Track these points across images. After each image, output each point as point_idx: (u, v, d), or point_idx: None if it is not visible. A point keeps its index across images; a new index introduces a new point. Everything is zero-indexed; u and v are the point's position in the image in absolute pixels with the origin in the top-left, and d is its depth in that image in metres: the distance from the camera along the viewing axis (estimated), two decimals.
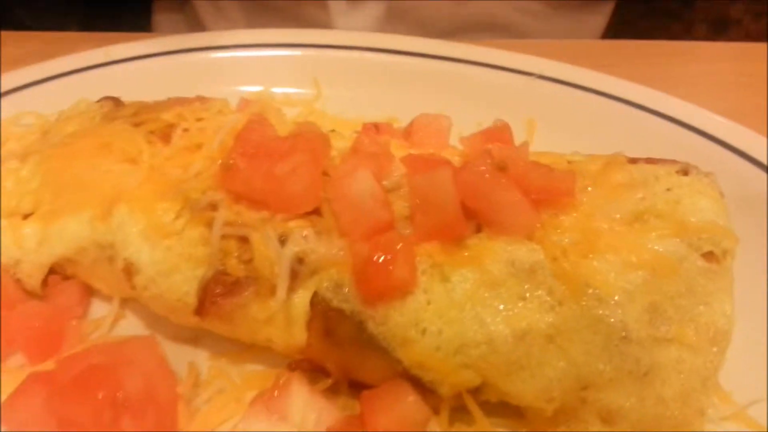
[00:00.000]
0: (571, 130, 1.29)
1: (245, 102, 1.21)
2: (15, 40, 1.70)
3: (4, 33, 1.72)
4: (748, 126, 1.24)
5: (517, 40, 1.86)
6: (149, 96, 1.24)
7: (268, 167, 0.85)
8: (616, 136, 1.25)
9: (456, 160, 0.94)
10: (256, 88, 1.42)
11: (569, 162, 0.93)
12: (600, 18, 2.19)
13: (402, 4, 1.83)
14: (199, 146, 0.98)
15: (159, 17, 2.20)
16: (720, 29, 4.17)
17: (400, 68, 1.46)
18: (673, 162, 0.91)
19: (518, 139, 1.28)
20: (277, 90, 1.43)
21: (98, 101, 1.21)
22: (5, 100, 1.33)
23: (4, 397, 0.78)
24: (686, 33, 4.23)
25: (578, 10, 2.07)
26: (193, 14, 2.06)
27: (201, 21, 2.02)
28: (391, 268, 0.76)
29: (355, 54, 1.49)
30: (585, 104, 1.33)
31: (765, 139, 1.14)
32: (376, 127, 1.14)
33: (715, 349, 0.77)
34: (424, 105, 1.36)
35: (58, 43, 1.68)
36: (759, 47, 1.77)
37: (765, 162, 1.10)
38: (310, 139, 0.89)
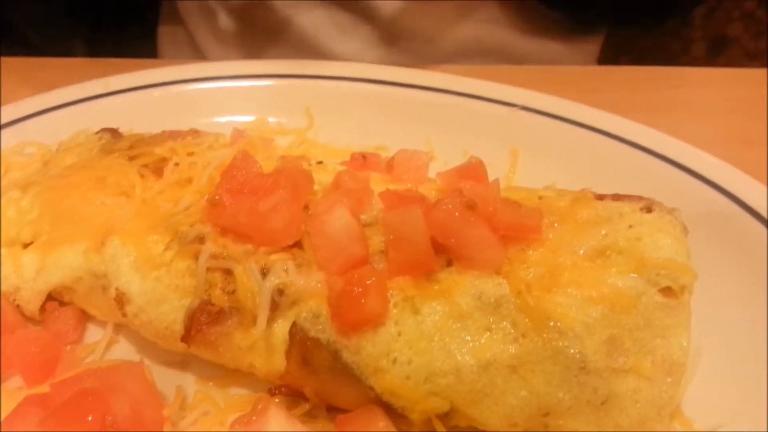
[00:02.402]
0: (553, 159, 1.34)
1: (238, 133, 1.27)
2: (19, 67, 1.77)
3: (11, 60, 1.79)
4: (745, 152, 1.27)
5: (508, 66, 1.91)
6: (148, 125, 1.30)
7: (252, 203, 0.91)
8: (595, 165, 1.30)
9: (432, 195, 0.99)
10: (250, 118, 1.48)
11: (540, 198, 0.97)
12: (594, 41, 2.23)
13: (394, 30, 1.88)
14: (189, 180, 1.04)
15: (162, 37, 2.27)
16: (719, 48, 4.21)
17: (389, 98, 1.52)
18: (639, 198, 0.96)
19: (502, 167, 1.34)
20: (272, 119, 1.49)
21: (97, 132, 1.27)
22: (8, 130, 1.38)
23: (2, 416, 0.84)
24: (685, 52, 4.27)
25: (570, 35, 2.11)
26: (191, 37, 2.12)
27: (198, 44, 2.09)
28: (363, 300, 0.81)
29: (346, 84, 1.54)
30: (566, 135, 1.37)
31: (731, 167, 1.18)
32: (364, 157, 1.19)
33: (669, 380, 0.81)
34: (412, 133, 1.43)
35: (62, 69, 1.76)
36: (750, 72, 1.81)
37: (729, 190, 1.14)
38: (292, 176, 0.94)
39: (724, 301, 1.02)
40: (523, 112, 1.41)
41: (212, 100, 1.49)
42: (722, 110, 1.67)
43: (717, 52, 4.27)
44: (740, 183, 1.16)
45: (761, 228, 1.07)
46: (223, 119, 1.45)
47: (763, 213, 1.09)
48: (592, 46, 2.24)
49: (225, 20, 1.98)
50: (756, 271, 1.03)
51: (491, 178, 0.98)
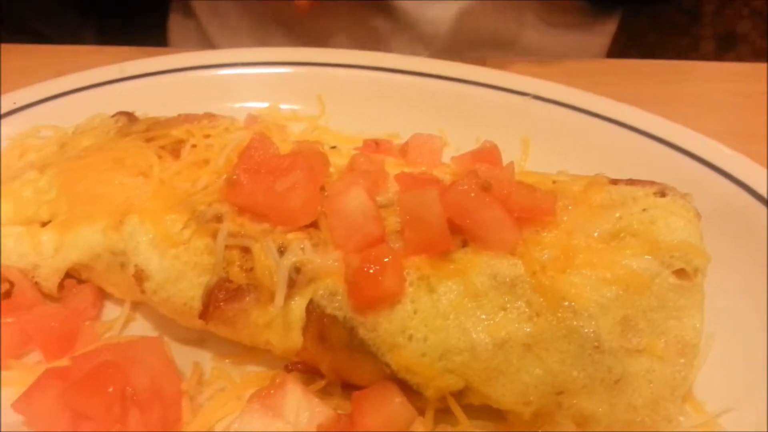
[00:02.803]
0: (564, 148, 1.35)
1: (252, 118, 1.28)
2: (30, 53, 1.79)
3: (20, 47, 1.80)
4: (748, 146, 1.28)
5: (519, 57, 1.91)
6: (161, 110, 1.31)
7: (270, 183, 0.92)
8: (605, 155, 1.31)
9: (447, 178, 1.00)
10: (263, 105, 1.49)
11: (554, 182, 0.98)
12: (605, 32, 2.24)
13: (406, 19, 1.89)
14: (206, 161, 1.05)
15: (172, 24, 2.28)
16: (727, 45, 4.20)
17: (401, 86, 1.53)
18: (652, 183, 0.96)
19: (513, 156, 1.35)
20: (284, 107, 1.50)
21: (113, 116, 1.29)
22: (23, 113, 1.39)
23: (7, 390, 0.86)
24: (693, 48, 4.26)
25: (582, 27, 2.12)
26: (202, 30, 2.14)
27: (206, 32, 2.10)
28: (380, 278, 0.82)
29: (358, 72, 1.55)
30: (577, 124, 1.38)
31: (745, 158, 1.19)
32: (377, 143, 1.20)
33: (682, 361, 0.82)
34: (424, 121, 1.43)
35: (72, 56, 1.78)
36: (758, 67, 1.82)
37: (743, 180, 1.15)
38: (309, 158, 0.96)
39: (735, 289, 1.03)
40: (535, 101, 1.42)
41: (226, 87, 1.50)
42: (727, 104, 1.68)
43: (726, 49, 4.26)
44: (752, 173, 1.16)
45: None
46: (236, 105, 1.45)
47: None
48: (603, 38, 2.25)
49: (237, 18, 2.01)
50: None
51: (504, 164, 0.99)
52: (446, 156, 1.13)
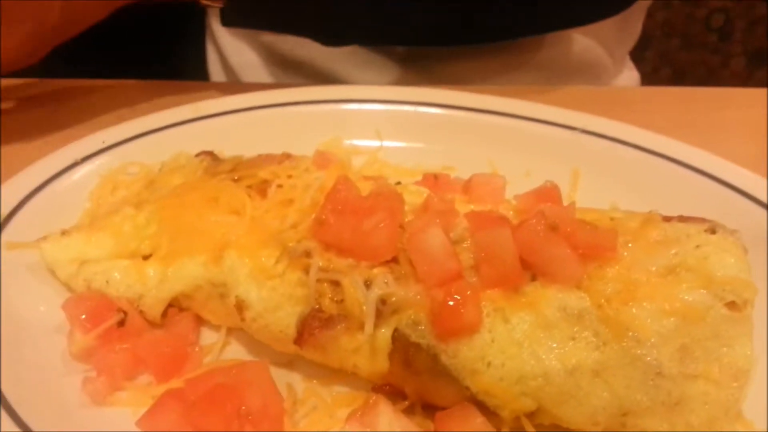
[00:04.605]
0: (611, 180, 1.44)
1: (320, 154, 1.39)
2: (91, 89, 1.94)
3: (80, 82, 1.95)
4: None
5: (555, 86, 2.00)
6: (236, 146, 1.44)
7: (356, 222, 1.03)
8: (652, 188, 1.40)
9: (511, 215, 1.10)
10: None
11: (611, 219, 1.08)
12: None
13: (410, 54, 2.00)
14: (291, 201, 1.15)
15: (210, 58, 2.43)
16: (758, 62, 4.24)
17: (453, 121, 1.64)
18: (703, 220, 1.05)
19: (562, 186, 1.44)
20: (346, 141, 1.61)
21: (197, 155, 1.41)
22: (112, 152, 1.52)
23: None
24: (724, 66, 4.31)
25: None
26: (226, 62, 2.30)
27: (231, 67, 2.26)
28: (461, 310, 0.92)
29: (413, 108, 1.67)
30: (624, 157, 1.47)
31: None
32: (435, 177, 1.31)
33: (735, 384, 0.91)
34: (476, 154, 1.54)
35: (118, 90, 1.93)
36: None
37: None
38: (388, 198, 1.06)
39: None
40: (583, 135, 1.51)
41: (292, 124, 1.62)
42: (762, 130, 1.75)
43: (756, 66, 4.29)
44: None
45: None
46: (304, 138, 1.57)
47: None
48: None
49: (250, 53, 2.16)
50: None
51: None
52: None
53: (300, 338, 1.01)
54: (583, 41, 2.13)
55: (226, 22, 1.90)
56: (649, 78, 2.52)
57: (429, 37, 1.89)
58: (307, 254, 1.05)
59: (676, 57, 4.28)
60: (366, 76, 2.05)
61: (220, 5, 1.80)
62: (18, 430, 0.90)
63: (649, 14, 2.55)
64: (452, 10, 1.77)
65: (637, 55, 2.63)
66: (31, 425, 0.92)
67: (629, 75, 2.38)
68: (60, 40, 1.68)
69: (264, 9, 1.81)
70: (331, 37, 1.88)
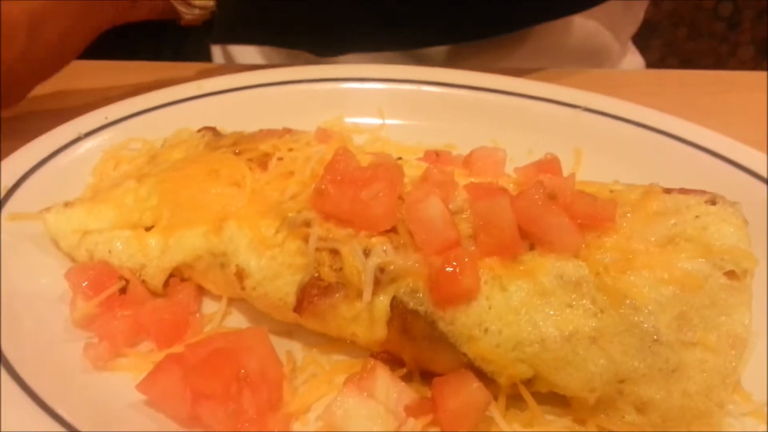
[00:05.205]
0: (613, 157, 1.44)
1: (321, 130, 1.39)
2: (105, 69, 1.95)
3: (93, 63, 1.95)
4: None
5: (563, 69, 2.00)
6: (237, 123, 1.44)
7: (355, 192, 1.03)
8: (654, 165, 1.39)
9: (511, 188, 1.10)
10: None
11: (611, 191, 1.08)
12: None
13: None
14: (291, 173, 1.16)
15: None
16: (766, 51, 4.20)
17: (456, 100, 1.63)
18: (703, 192, 1.05)
19: (565, 166, 1.44)
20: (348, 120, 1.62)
21: (198, 131, 1.41)
22: (115, 128, 1.53)
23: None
24: (732, 55, 4.28)
25: None
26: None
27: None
28: (459, 277, 0.93)
29: (416, 87, 1.67)
30: (626, 135, 1.47)
31: None
32: (437, 154, 1.31)
33: (733, 352, 0.91)
34: (479, 133, 1.54)
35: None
36: None
37: None
38: (388, 169, 1.06)
39: None
40: (585, 113, 1.51)
41: (296, 101, 1.63)
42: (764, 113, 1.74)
43: (765, 55, 4.26)
44: None
45: None
46: (305, 117, 1.57)
47: None
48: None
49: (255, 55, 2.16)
50: None
51: None
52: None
53: (299, 306, 1.02)
54: (589, 25, 2.13)
55: (216, 39, 1.87)
56: (656, 67, 2.50)
57: (428, 37, 1.88)
58: (307, 224, 1.06)
59: (684, 46, 4.25)
60: None
61: (199, 24, 1.78)
62: (22, 393, 0.92)
63: (656, 3, 2.54)
64: (451, 4, 1.75)
65: (644, 44, 2.63)
66: (35, 389, 0.93)
67: (633, 59, 2.37)
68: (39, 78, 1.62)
69: (253, 24, 1.80)
70: (324, 48, 1.87)
